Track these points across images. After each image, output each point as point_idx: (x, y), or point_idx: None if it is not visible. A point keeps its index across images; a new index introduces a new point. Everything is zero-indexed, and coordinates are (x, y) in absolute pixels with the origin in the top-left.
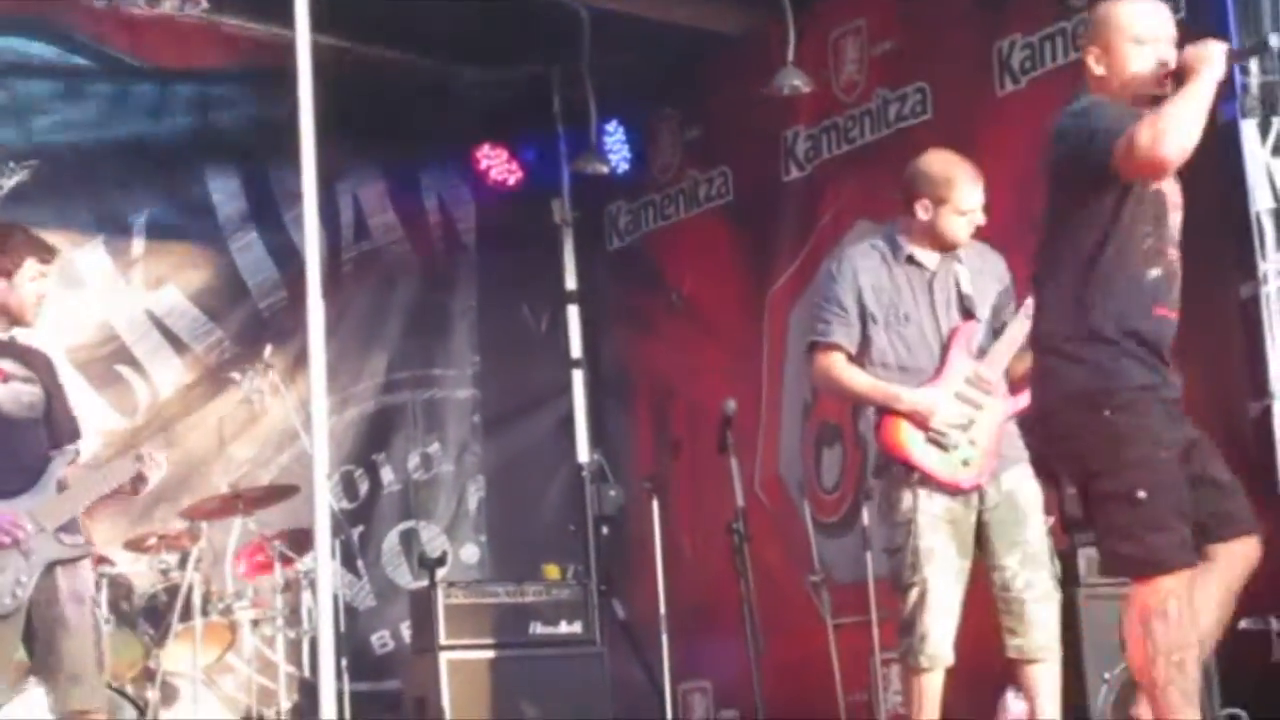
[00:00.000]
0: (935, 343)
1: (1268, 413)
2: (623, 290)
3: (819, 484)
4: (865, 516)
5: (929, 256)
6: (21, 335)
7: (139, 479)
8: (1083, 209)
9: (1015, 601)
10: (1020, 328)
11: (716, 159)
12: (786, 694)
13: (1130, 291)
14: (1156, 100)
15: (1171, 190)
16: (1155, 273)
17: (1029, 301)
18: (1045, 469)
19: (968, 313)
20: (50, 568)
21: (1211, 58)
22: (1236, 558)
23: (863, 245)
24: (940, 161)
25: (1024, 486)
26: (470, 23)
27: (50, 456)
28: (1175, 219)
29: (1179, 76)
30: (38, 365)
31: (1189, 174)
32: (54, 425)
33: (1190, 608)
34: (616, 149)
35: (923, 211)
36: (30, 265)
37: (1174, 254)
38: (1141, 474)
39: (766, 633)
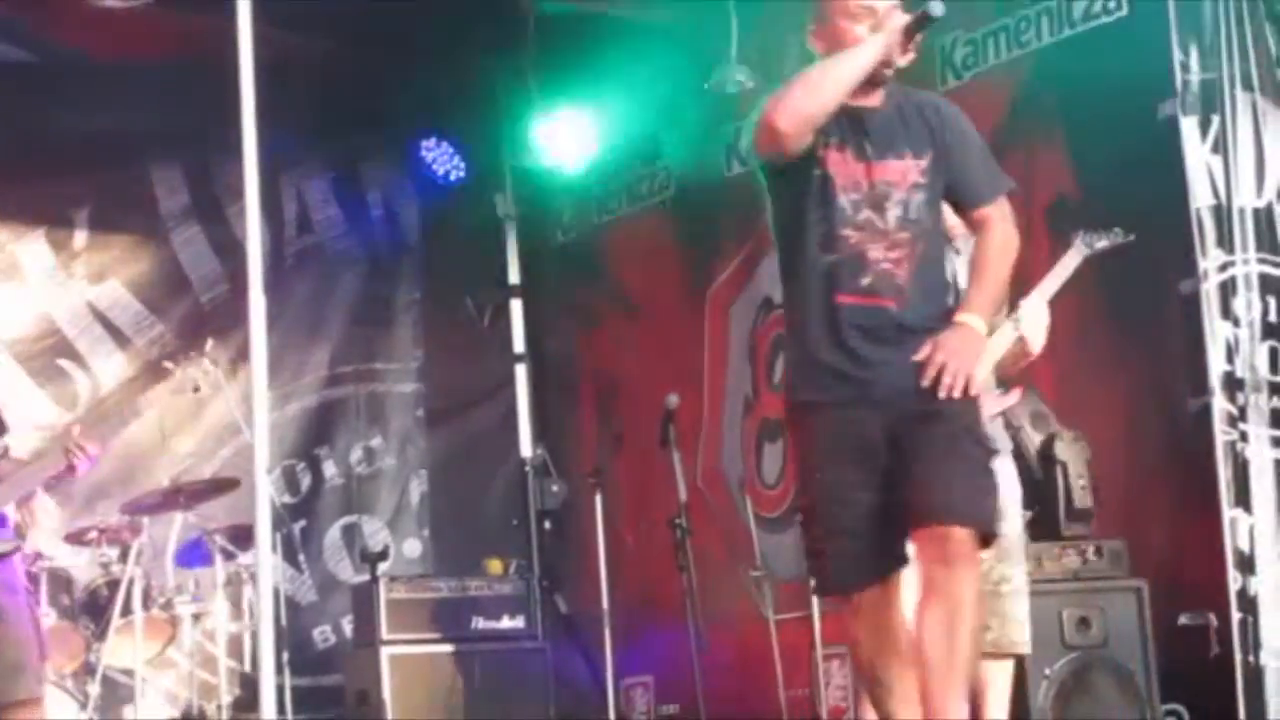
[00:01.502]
0: None
1: (1207, 409)
2: (567, 285)
3: (760, 479)
4: None
5: None
6: None
7: (68, 470)
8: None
9: (990, 595)
10: (1011, 327)
11: (660, 154)
12: (728, 689)
13: (807, 280)
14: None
15: (848, 171)
16: (830, 258)
17: (1028, 300)
18: None
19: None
20: None
21: (886, 26)
22: (924, 549)
23: None
24: None
25: (1002, 481)
26: (414, 15)
27: None
28: (847, 200)
29: None
30: None
31: (1131, 170)
32: None
33: (884, 619)
34: (559, 143)
35: None
36: None
37: (856, 236)
38: (803, 495)
39: (708, 628)
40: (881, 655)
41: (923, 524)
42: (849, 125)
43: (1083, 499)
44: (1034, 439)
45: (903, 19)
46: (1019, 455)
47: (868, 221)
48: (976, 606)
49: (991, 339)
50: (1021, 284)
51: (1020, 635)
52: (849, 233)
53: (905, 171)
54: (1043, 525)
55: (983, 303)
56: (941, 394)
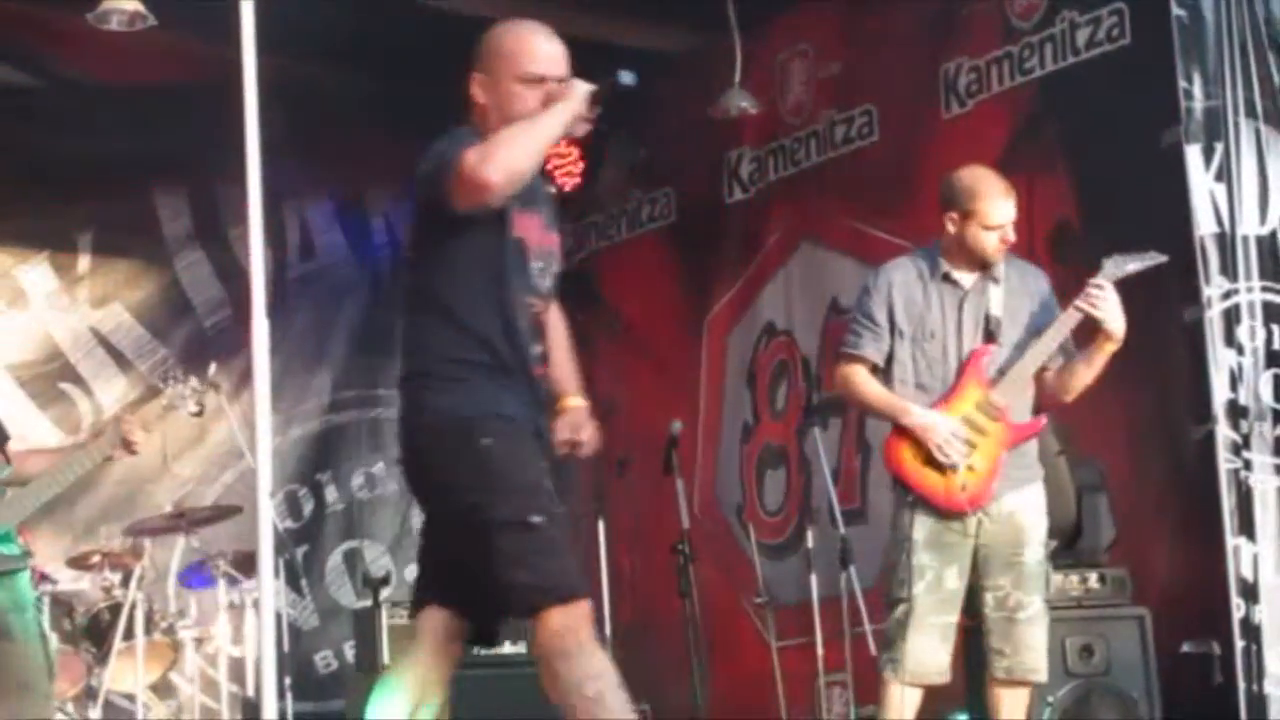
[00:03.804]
0: (955, 362)
1: (1210, 437)
2: (566, 310)
3: (761, 506)
4: (810, 539)
5: (965, 275)
6: None
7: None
8: (441, 248)
9: (1006, 622)
10: (1041, 350)
11: (660, 180)
12: (730, 716)
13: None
14: None
15: (538, 237)
16: (522, 325)
17: (1061, 317)
18: None
19: (990, 336)
20: None
21: (571, 94)
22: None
23: (903, 260)
24: (970, 175)
25: (1028, 507)
26: (418, 41)
27: None
28: (535, 266)
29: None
30: None
31: (1134, 198)
32: None
33: (589, 637)
34: (560, 167)
35: (950, 225)
36: None
37: (538, 304)
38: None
39: (710, 654)
40: (598, 666)
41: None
42: (531, 190)
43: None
44: (1062, 466)
45: (587, 88)
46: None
47: (544, 289)
48: None
49: (1026, 355)
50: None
51: (1035, 663)
52: (534, 300)
53: (556, 246)
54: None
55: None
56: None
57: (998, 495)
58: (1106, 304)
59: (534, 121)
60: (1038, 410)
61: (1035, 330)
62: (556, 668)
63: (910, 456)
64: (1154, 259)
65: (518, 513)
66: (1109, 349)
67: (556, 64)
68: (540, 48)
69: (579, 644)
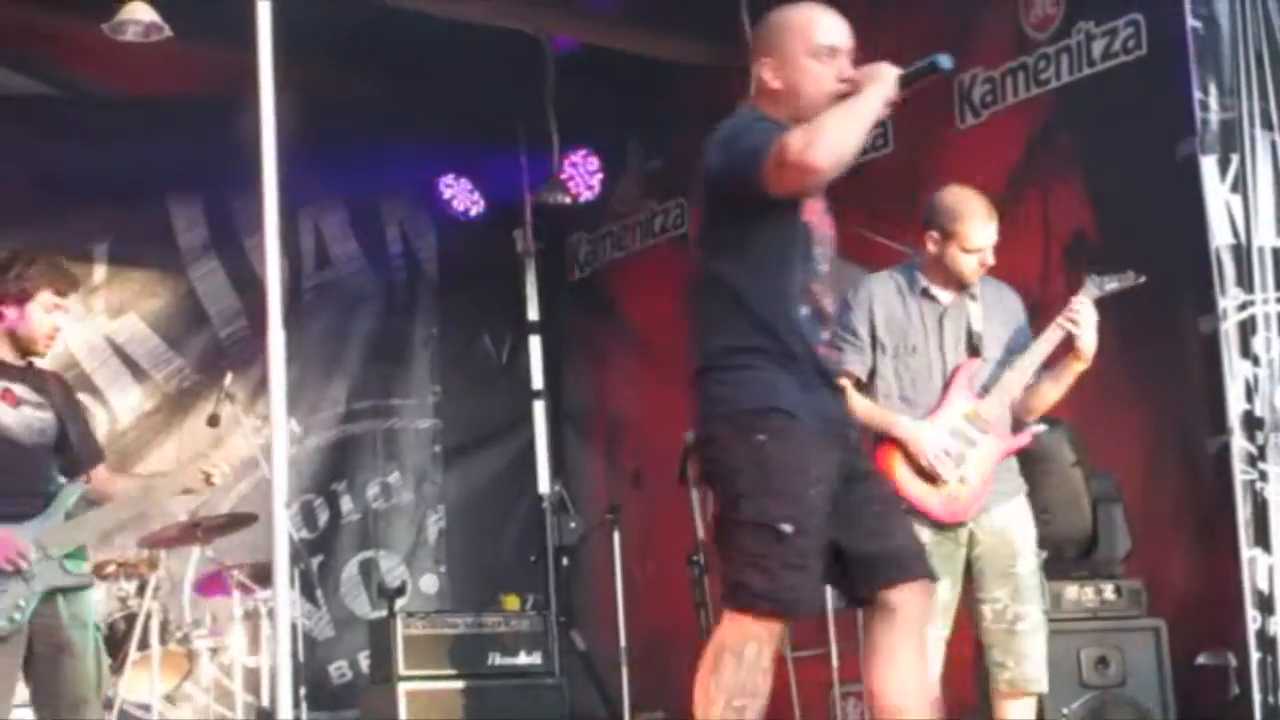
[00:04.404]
0: (939, 377)
1: (1226, 448)
2: (582, 321)
3: None
4: None
5: (944, 292)
6: (37, 359)
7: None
8: (733, 235)
9: (1006, 634)
10: (1028, 364)
11: (675, 191)
12: None
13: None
14: None
15: (822, 223)
16: (805, 310)
17: (1045, 333)
18: None
19: (974, 350)
20: (51, 593)
21: (881, 76)
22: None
23: (881, 274)
24: (953, 196)
25: (1018, 520)
26: (435, 52)
27: (61, 482)
28: (819, 252)
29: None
30: (51, 390)
31: (1150, 209)
32: (69, 450)
33: (768, 657)
34: (579, 180)
35: (931, 245)
36: (45, 296)
37: (819, 289)
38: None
39: None
40: (757, 686)
41: (909, 577)
42: None
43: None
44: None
45: (896, 72)
46: (1031, 494)
47: (824, 274)
48: None
49: (1011, 369)
50: (1037, 325)
51: (1036, 673)
52: (816, 285)
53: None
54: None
55: None
56: None
57: (988, 508)
58: (1087, 322)
59: (851, 105)
60: (1016, 427)
61: (1013, 347)
62: (724, 662)
63: (901, 467)
64: (1133, 279)
65: (773, 517)
66: (1077, 368)
67: (845, 35)
68: (826, 20)
69: (758, 655)
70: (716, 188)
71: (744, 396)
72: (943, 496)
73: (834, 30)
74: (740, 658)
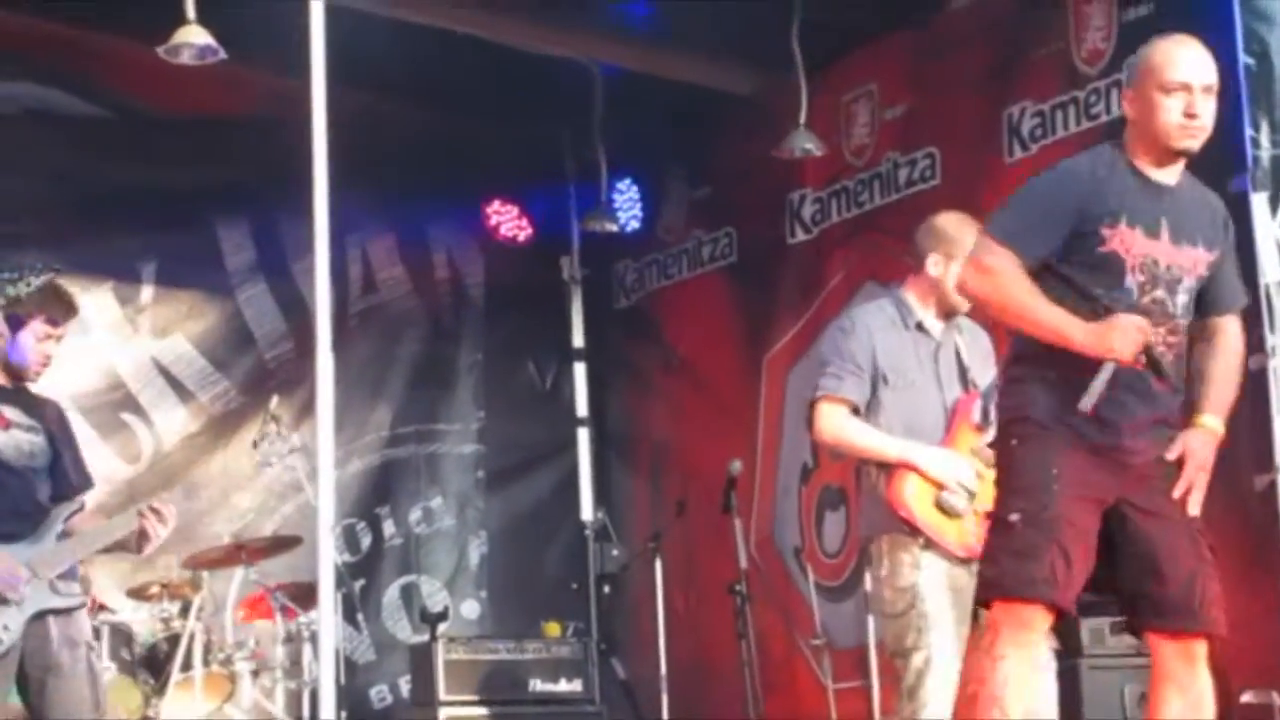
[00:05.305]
0: (940, 410)
1: (1273, 486)
2: (627, 348)
3: (820, 547)
4: (868, 581)
5: (935, 324)
6: (33, 384)
7: (141, 535)
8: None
9: None
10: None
11: (722, 219)
12: None
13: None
14: (1177, 155)
15: (1140, 253)
16: None
17: None
18: None
19: (970, 384)
20: (42, 614)
21: (1104, 333)
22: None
23: (871, 306)
24: (954, 221)
25: None
26: (484, 78)
27: (51, 506)
28: (1134, 282)
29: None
30: (46, 415)
31: None
32: (59, 475)
33: (1008, 641)
34: (626, 207)
35: (934, 266)
36: (38, 325)
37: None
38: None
39: (765, 695)
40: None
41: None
42: (1144, 199)
43: None
44: None
45: (1127, 340)
46: None
47: (1157, 303)
48: None
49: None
50: None
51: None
52: (1114, 309)
53: (1196, 261)
54: None
55: (1222, 405)
56: (1193, 510)
57: None
58: None
59: (1040, 311)
60: None
61: (989, 387)
62: (967, 649)
63: (917, 497)
64: None
65: (1005, 510)
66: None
67: (1196, 71)
68: (1182, 56)
69: (991, 642)
70: None
71: (1011, 406)
72: (960, 528)
73: (1184, 67)
74: (976, 647)
